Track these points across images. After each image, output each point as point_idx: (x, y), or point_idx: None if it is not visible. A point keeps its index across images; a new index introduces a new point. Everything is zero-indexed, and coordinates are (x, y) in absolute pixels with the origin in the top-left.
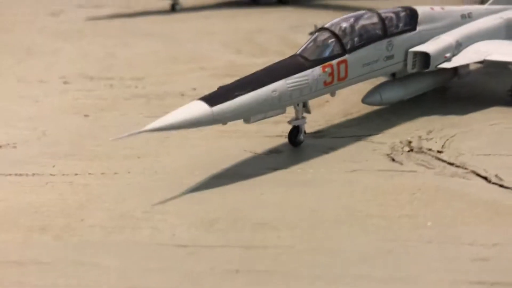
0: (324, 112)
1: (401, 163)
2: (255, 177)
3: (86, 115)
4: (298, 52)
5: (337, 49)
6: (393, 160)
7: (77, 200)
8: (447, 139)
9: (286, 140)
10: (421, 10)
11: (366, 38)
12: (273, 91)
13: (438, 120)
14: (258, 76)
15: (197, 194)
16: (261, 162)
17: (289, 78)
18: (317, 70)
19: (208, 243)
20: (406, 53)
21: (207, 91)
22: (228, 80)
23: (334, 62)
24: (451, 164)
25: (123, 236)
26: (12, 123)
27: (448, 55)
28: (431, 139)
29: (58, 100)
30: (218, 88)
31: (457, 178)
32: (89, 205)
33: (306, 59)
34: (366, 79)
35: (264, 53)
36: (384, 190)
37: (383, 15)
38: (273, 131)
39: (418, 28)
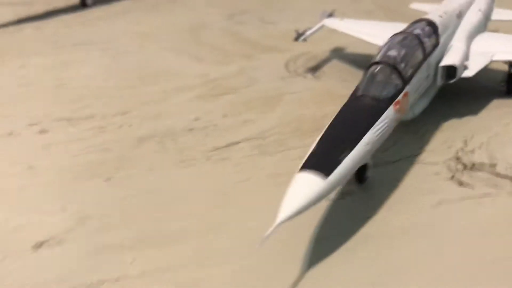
0: None
1: (472, 188)
2: (356, 233)
3: (107, 179)
4: (361, 92)
5: (399, 83)
6: (461, 184)
7: None
8: (486, 149)
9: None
10: (437, 21)
11: (414, 64)
12: (366, 144)
13: (461, 126)
14: (344, 131)
15: (321, 268)
16: (345, 210)
17: (374, 126)
18: (391, 110)
19: None
20: (435, 68)
21: (212, 120)
22: (221, 101)
23: (400, 97)
24: None
25: None
26: (25, 206)
27: (466, 63)
28: (473, 150)
29: (53, 161)
30: (312, 152)
31: None
32: None
33: (377, 100)
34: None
35: (228, 59)
36: (485, 225)
37: (419, 36)
38: None
39: (440, 40)
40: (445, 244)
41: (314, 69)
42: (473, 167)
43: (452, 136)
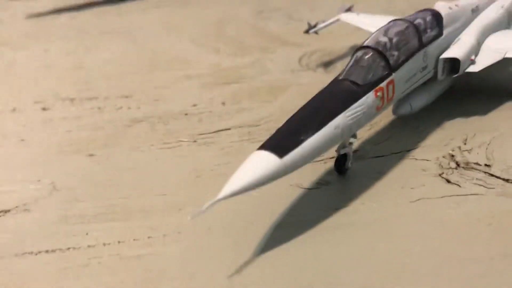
0: None
1: (458, 185)
2: (320, 223)
3: (90, 155)
4: (342, 76)
5: (384, 69)
6: (448, 181)
7: (139, 281)
8: (486, 148)
9: (326, 165)
10: (443, 11)
11: (406, 52)
12: (336, 127)
13: (464, 124)
14: (314, 112)
15: (271, 254)
16: (316, 199)
17: (348, 110)
18: (371, 96)
19: None
20: (436, 60)
21: (208, 107)
22: (225, 89)
23: (384, 84)
24: (506, 180)
25: None
26: (6, 174)
27: (473, 57)
28: (470, 150)
29: (47, 136)
30: (275, 132)
31: None
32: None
33: (356, 84)
34: (404, 95)
35: (245, 51)
36: (459, 223)
37: (415, 22)
38: None
39: (444, 32)
40: (413, 238)
41: (327, 64)
42: (466, 166)
43: (452, 134)
